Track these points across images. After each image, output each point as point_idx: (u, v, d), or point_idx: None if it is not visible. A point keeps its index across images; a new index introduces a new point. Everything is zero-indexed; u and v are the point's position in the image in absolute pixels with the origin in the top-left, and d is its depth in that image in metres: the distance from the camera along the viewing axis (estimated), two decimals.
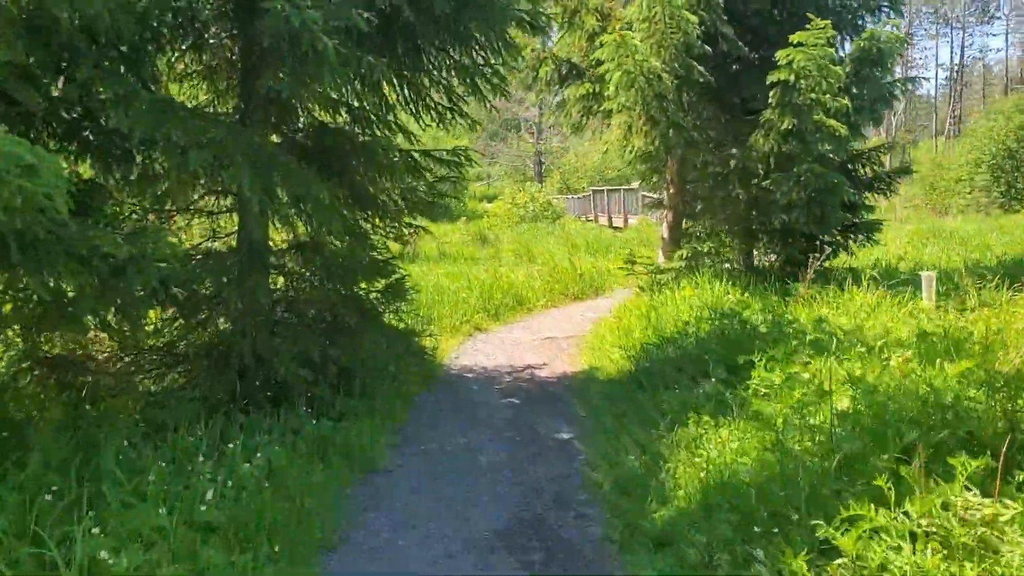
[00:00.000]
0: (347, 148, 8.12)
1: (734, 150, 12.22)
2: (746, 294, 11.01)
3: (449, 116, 8.85)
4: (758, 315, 8.99)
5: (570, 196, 43.76)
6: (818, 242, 12.30)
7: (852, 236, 12.97)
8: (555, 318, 15.03)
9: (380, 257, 8.95)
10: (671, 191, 13.73)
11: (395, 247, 9.52)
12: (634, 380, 8.71)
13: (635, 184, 39.72)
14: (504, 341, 12.87)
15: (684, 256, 12.47)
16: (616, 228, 35.27)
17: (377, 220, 8.86)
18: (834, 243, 12.60)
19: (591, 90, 12.76)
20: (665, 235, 14.01)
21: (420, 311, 12.82)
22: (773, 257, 13.07)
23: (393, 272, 9.03)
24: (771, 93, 11.44)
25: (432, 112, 8.75)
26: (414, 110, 8.65)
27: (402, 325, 10.29)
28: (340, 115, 8.32)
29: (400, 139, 9.15)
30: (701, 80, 11.76)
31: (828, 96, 11.25)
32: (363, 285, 8.75)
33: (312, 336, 7.58)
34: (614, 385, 9.11)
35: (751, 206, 12.63)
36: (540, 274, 17.23)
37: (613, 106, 11.95)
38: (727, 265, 13.14)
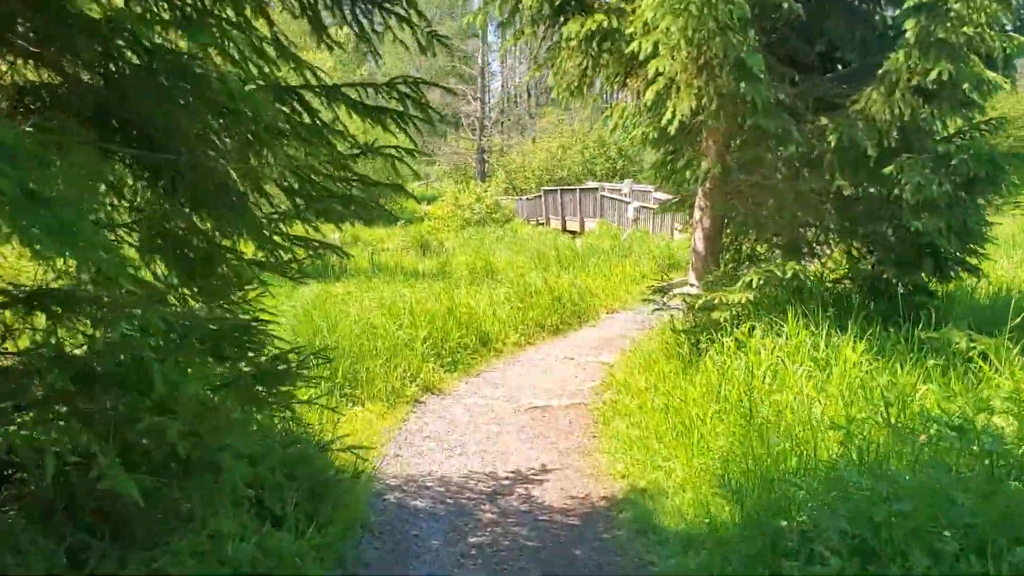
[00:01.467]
0: (141, 76, 3.43)
1: (824, 120, 7.74)
2: (886, 356, 6.54)
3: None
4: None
5: (519, 198, 39.20)
6: (948, 260, 7.98)
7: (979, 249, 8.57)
8: (536, 366, 10.44)
9: (240, 317, 4.27)
10: (709, 186, 9.21)
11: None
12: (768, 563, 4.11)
13: (594, 183, 35.49)
14: (469, 412, 8.24)
15: (754, 283, 7.83)
16: (572, 232, 30.89)
17: (229, 230, 4.14)
18: (961, 261, 8.24)
19: (604, 25, 8.12)
20: (699, 248, 9.48)
21: (339, 366, 8.17)
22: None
23: (261, 340, 4.26)
24: (908, 24, 6.98)
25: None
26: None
27: (304, 421, 5.59)
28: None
29: (291, 76, 4.49)
30: (785, 4, 7.28)
31: (988, 33, 6.87)
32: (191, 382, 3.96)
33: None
34: (713, 557, 4.50)
35: (846, 207, 8.23)
36: (507, 298, 12.62)
37: (646, 46, 7.41)
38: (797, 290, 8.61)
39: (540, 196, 35.18)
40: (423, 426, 7.83)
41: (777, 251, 9.74)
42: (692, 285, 9.62)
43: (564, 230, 31.84)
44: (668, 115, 7.70)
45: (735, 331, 7.62)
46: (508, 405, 8.50)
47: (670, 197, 27.07)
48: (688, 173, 10.34)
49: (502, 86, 69.68)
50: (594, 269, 16.15)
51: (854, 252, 8.96)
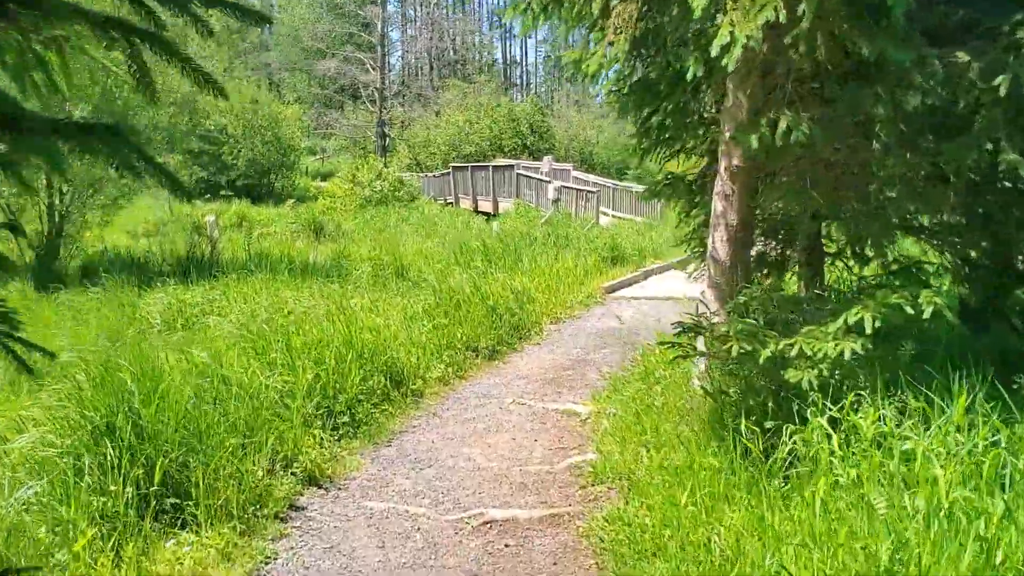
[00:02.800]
0: None
1: (963, 55, 4.63)
2: None
3: None
4: None
5: (424, 174, 35.61)
6: None
7: None
8: (474, 420, 7.07)
9: None
10: (738, 163, 6.01)
11: None
12: None
13: (508, 160, 32.18)
14: (380, 534, 4.85)
15: (867, 325, 4.55)
16: (485, 214, 27.57)
17: None
18: None
19: None
20: (720, 253, 6.25)
21: (156, 461, 4.72)
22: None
23: None
24: None
25: None
26: None
27: None
28: None
29: None
30: None
31: None
32: None
33: None
34: None
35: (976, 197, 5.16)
36: (427, 310, 9.26)
37: None
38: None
39: (448, 173, 31.72)
40: (300, 572, 4.44)
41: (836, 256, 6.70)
42: (711, 312, 6.41)
43: (476, 211, 28.50)
44: (723, 37, 4.45)
45: (825, 401, 4.45)
46: (444, 516, 5.14)
47: (595, 179, 23.66)
48: (694, 142, 7.17)
49: (402, 56, 65.70)
50: (529, 265, 12.87)
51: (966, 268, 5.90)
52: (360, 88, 50.54)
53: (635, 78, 7.12)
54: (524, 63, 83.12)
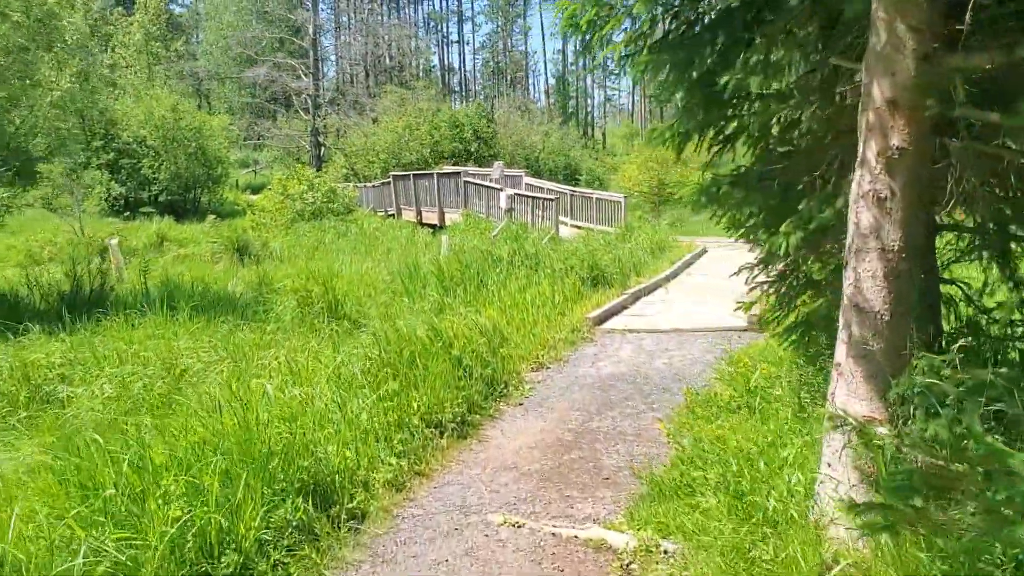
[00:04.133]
0: None
1: None
2: None
3: None
4: None
5: (362, 185, 32.63)
6: None
7: None
8: (448, 571, 4.41)
9: None
10: (894, 138, 3.47)
11: None
12: None
13: (453, 168, 29.42)
14: None
15: None
16: (430, 226, 24.86)
17: None
18: None
19: None
20: (867, 295, 3.62)
21: None
22: None
23: None
24: None
25: None
26: None
27: None
28: None
29: None
30: None
31: None
32: None
33: None
34: None
35: None
36: (368, 370, 6.50)
37: None
38: None
39: (388, 183, 28.87)
40: None
41: None
42: (854, 396, 3.76)
43: (420, 223, 25.76)
44: None
45: None
46: None
47: (550, 185, 20.87)
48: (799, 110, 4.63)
49: (336, 62, 62.57)
50: (496, 291, 10.16)
51: None
52: (293, 96, 47.32)
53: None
54: (462, 69, 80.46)
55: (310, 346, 7.75)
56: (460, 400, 6.59)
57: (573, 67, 79.88)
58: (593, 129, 76.53)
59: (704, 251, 16.81)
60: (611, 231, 18.82)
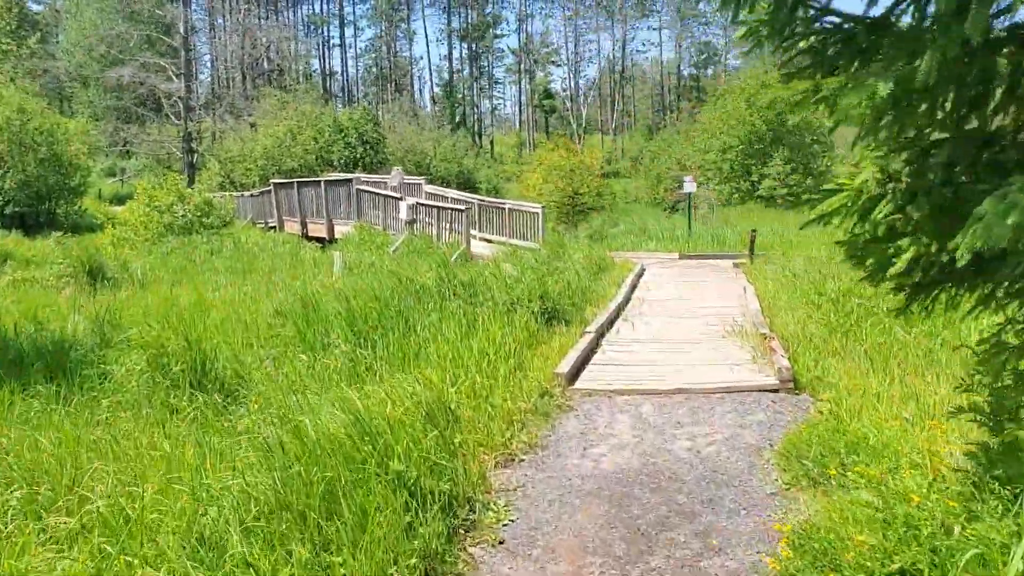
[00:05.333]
0: None
1: None
2: None
3: None
4: None
5: (240, 194, 29.10)
6: None
7: None
8: None
9: None
10: None
11: None
12: None
13: (343, 175, 26.32)
14: None
15: None
16: (318, 240, 21.81)
17: None
18: None
19: None
20: None
21: None
22: None
23: None
24: None
25: None
26: None
27: None
28: None
29: None
30: None
31: None
32: None
33: None
34: None
35: None
36: (258, 512, 3.68)
37: None
38: None
39: (269, 191, 25.56)
40: None
41: None
42: None
43: (306, 236, 22.65)
44: None
45: None
46: None
47: (456, 194, 18.54)
48: None
49: (211, 64, 58.18)
50: (430, 336, 7.36)
51: None
52: (163, 99, 43.06)
53: None
54: (345, 74, 76.59)
55: (159, 446, 4.83)
56: (413, 558, 3.83)
57: (459, 74, 77.36)
58: (482, 138, 74.10)
59: (643, 269, 14.41)
60: (531, 246, 16.24)
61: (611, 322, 9.72)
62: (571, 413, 6.52)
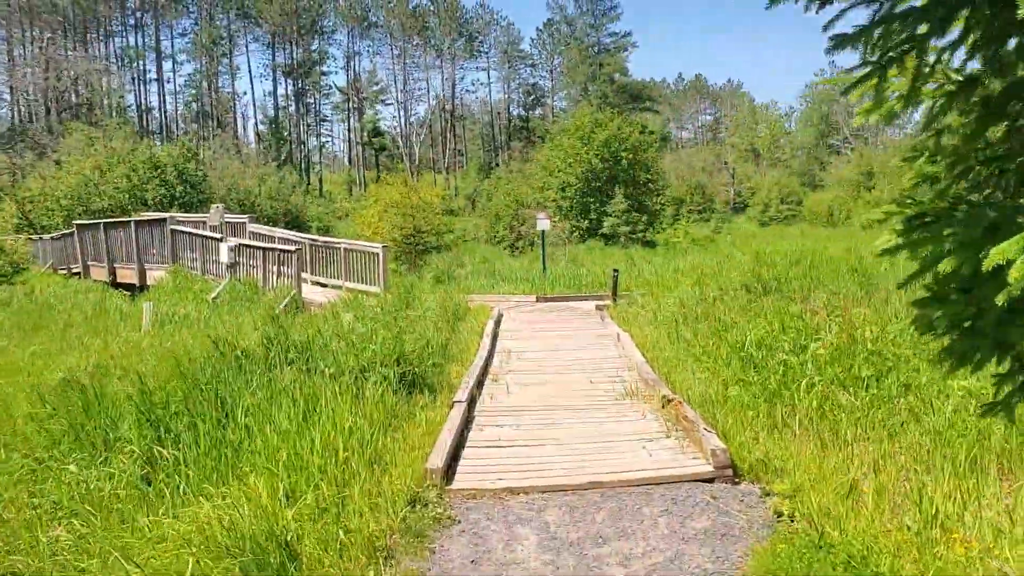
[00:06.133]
0: None
1: None
2: None
3: None
4: None
5: (39, 237, 25.69)
6: None
7: None
8: None
9: None
10: None
11: None
12: None
13: (157, 214, 23.56)
14: None
15: None
16: (127, 288, 19.15)
17: None
18: None
19: None
20: None
21: None
22: None
23: None
24: None
25: None
26: None
27: None
28: None
29: None
30: None
31: None
32: None
33: None
34: None
35: None
36: None
37: None
38: None
39: (73, 234, 22.52)
40: None
41: None
42: None
43: (114, 284, 19.91)
44: None
45: None
46: None
47: (283, 233, 16.50)
48: None
49: (10, 95, 53.03)
50: (259, 432, 5.50)
51: None
52: None
53: None
54: (163, 110, 71.89)
55: None
56: None
57: (285, 110, 74.38)
58: (310, 175, 71.24)
59: (500, 315, 12.90)
60: (373, 290, 14.46)
61: (480, 384, 8.10)
62: (454, 528, 4.79)
